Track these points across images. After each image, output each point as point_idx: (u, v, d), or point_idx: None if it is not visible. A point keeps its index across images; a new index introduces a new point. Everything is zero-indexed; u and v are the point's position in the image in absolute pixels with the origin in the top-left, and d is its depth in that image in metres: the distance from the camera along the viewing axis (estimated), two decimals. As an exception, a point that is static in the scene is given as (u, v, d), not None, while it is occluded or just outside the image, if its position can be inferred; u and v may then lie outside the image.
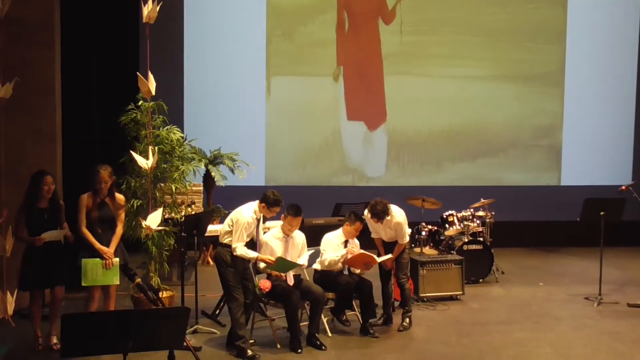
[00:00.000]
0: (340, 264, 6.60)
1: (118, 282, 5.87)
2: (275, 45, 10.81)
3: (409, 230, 6.94)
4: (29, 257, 5.79)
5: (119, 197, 6.03)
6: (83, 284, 5.72)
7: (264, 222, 6.43)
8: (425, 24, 11.06)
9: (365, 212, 6.81)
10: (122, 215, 6.05)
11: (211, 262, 9.25)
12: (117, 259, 5.78)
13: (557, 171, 11.54)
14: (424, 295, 7.72)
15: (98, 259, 5.71)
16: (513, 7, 11.21)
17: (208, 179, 9.58)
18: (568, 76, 11.42)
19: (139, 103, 6.90)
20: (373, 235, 7.03)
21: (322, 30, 10.89)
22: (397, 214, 6.76)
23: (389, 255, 6.76)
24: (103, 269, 5.70)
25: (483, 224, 9.04)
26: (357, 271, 6.68)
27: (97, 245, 5.75)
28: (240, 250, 5.97)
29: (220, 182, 9.49)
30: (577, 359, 6.01)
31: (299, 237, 6.39)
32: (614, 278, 8.85)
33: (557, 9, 11.32)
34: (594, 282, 8.06)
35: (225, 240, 6.11)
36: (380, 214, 6.59)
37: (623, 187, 8.46)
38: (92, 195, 5.84)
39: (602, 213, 7.86)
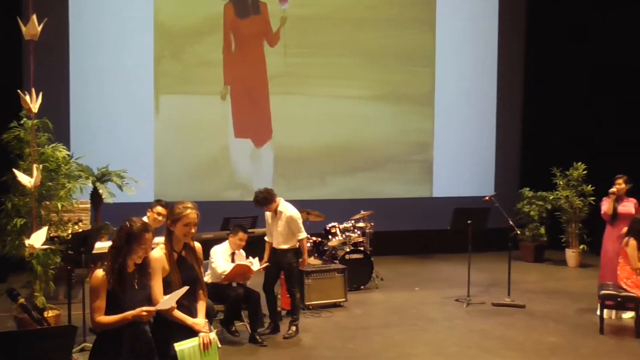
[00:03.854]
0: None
1: None
2: (163, 65, 10.58)
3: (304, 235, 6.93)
4: (112, 348, 3.70)
5: (197, 246, 4.21)
6: None
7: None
8: (308, 46, 11.20)
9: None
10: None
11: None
12: (214, 335, 4.15)
13: (429, 184, 11.96)
14: (309, 303, 7.76)
15: (194, 339, 3.93)
16: (389, 33, 11.57)
17: (96, 196, 9.19)
18: (437, 97, 11.90)
19: (22, 121, 6.53)
20: (266, 238, 7.00)
21: (209, 50, 10.77)
22: (290, 208, 6.81)
23: (264, 265, 6.81)
24: (201, 351, 3.95)
25: (363, 234, 9.22)
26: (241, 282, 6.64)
27: (189, 320, 3.98)
28: None
29: (108, 199, 9.12)
30: (450, 356, 6.22)
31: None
32: (481, 280, 9.25)
33: (427, 35, 11.81)
34: (463, 285, 8.37)
35: None
36: (262, 200, 6.66)
37: (487, 198, 8.88)
38: (168, 249, 4.00)
39: (469, 222, 8.21)
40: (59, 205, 6.67)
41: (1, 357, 3.20)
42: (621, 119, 11.29)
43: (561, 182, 11.08)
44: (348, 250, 8.74)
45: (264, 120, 11.09)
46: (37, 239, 5.91)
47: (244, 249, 6.77)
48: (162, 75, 10.57)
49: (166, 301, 3.78)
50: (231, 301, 6.46)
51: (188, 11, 10.66)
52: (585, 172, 10.91)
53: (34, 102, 6.29)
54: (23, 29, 6.16)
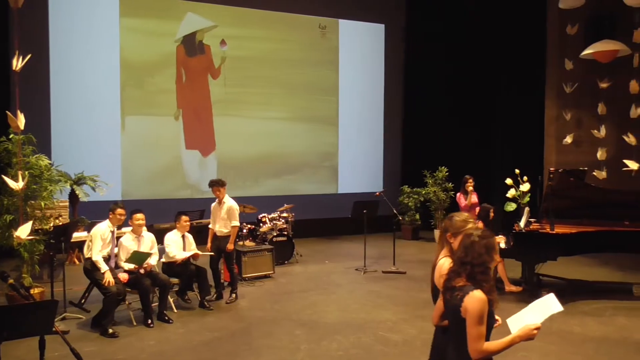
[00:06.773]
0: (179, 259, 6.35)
1: None
2: (128, 92, 10.18)
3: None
4: None
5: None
6: None
7: (119, 229, 5.99)
8: (243, 80, 11.07)
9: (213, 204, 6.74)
10: None
11: (77, 262, 8.46)
12: None
13: (335, 183, 12.09)
14: (246, 275, 7.69)
15: None
16: (304, 70, 11.61)
17: (73, 196, 8.76)
18: (340, 118, 12.05)
19: (10, 136, 6.14)
20: (210, 226, 6.85)
21: (165, 81, 10.46)
22: (232, 201, 6.72)
23: (208, 253, 6.69)
24: None
25: (286, 222, 9.21)
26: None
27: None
28: (96, 257, 5.56)
29: (83, 198, 8.72)
30: (352, 312, 6.31)
31: (148, 237, 6.08)
32: (374, 254, 9.38)
33: (332, 72, 11.94)
34: (361, 258, 8.53)
35: (88, 255, 5.64)
36: (217, 181, 6.66)
37: (377, 193, 9.11)
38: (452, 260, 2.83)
39: (365, 211, 8.37)
40: (42, 204, 6.31)
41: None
42: (470, 137, 11.85)
43: (430, 181, 11.44)
44: (275, 234, 8.70)
45: (209, 135, 10.89)
46: (23, 231, 5.57)
47: (192, 234, 6.61)
48: (127, 100, 10.18)
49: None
50: (185, 276, 6.32)
51: (148, 50, 10.31)
52: (447, 173, 11.32)
53: (20, 121, 5.92)
54: (13, 63, 5.77)
